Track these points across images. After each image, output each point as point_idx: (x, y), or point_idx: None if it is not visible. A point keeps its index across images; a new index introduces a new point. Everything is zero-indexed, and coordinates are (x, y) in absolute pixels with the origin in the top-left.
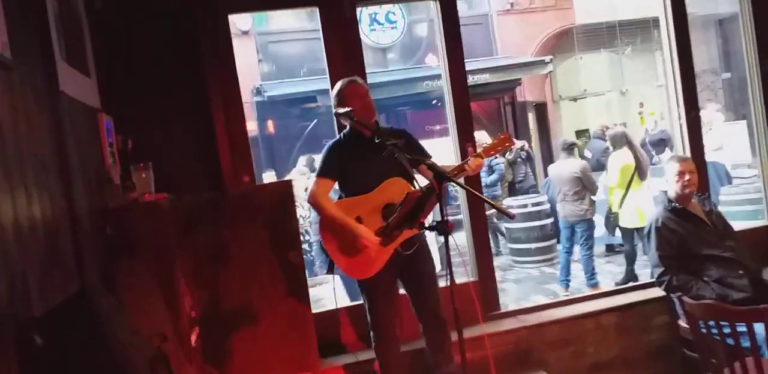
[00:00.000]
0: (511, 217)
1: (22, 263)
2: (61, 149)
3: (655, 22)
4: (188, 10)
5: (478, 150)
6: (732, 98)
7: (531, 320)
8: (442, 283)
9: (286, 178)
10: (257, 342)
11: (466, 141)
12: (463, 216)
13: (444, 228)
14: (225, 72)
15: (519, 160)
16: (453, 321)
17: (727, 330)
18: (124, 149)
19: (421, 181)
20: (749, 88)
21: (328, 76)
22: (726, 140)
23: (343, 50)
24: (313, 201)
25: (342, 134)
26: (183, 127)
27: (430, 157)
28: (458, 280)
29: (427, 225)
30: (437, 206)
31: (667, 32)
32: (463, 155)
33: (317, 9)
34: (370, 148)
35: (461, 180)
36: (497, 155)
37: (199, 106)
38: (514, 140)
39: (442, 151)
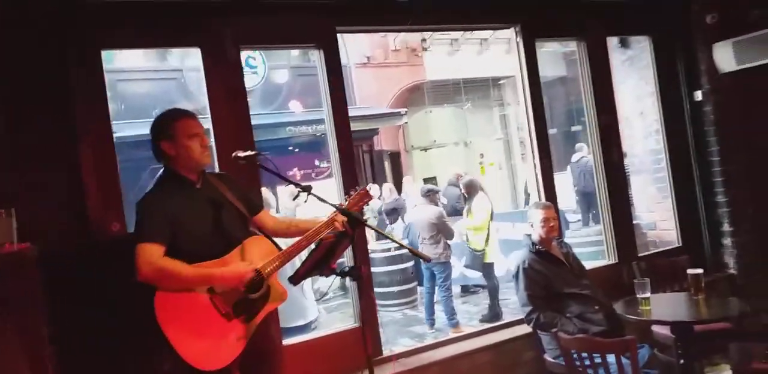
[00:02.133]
0: (427, 261)
1: None
2: None
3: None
4: (60, 40)
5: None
6: (557, 151)
7: (412, 363)
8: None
9: None
10: None
11: (351, 184)
12: (350, 261)
13: (357, 273)
14: (96, 110)
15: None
16: (367, 364)
17: (597, 361)
18: None
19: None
20: (589, 138)
21: (209, 117)
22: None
23: (227, 92)
24: (151, 271)
25: (155, 185)
26: (46, 169)
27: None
28: (340, 327)
29: (338, 271)
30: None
31: (522, 90)
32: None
33: (197, 49)
34: (202, 200)
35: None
36: (360, 209)
37: (64, 145)
38: (372, 194)
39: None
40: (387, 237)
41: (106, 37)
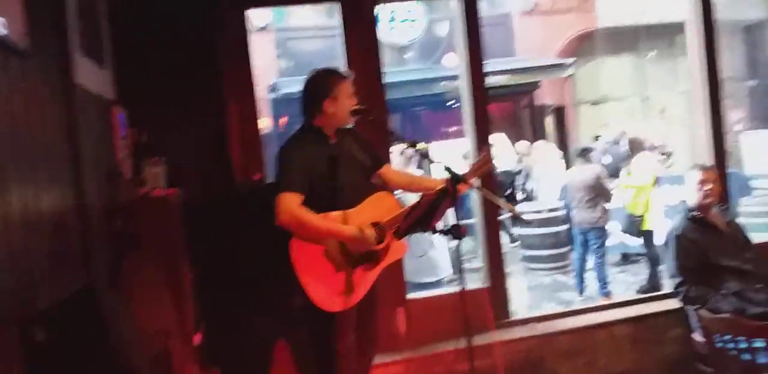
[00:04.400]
0: (526, 222)
1: (28, 256)
2: (72, 142)
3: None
4: (207, 2)
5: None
6: (757, 106)
7: (542, 329)
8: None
9: None
10: None
11: (482, 143)
12: (477, 220)
13: (458, 232)
14: (241, 67)
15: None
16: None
17: (744, 345)
18: (138, 142)
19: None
20: None
21: None
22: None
23: (362, 49)
24: (288, 219)
25: (297, 138)
26: (196, 122)
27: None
28: (469, 286)
29: (439, 229)
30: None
31: (695, 38)
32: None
33: (339, 6)
34: (338, 156)
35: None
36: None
37: (213, 101)
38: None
39: (459, 152)
40: (492, 199)
41: None
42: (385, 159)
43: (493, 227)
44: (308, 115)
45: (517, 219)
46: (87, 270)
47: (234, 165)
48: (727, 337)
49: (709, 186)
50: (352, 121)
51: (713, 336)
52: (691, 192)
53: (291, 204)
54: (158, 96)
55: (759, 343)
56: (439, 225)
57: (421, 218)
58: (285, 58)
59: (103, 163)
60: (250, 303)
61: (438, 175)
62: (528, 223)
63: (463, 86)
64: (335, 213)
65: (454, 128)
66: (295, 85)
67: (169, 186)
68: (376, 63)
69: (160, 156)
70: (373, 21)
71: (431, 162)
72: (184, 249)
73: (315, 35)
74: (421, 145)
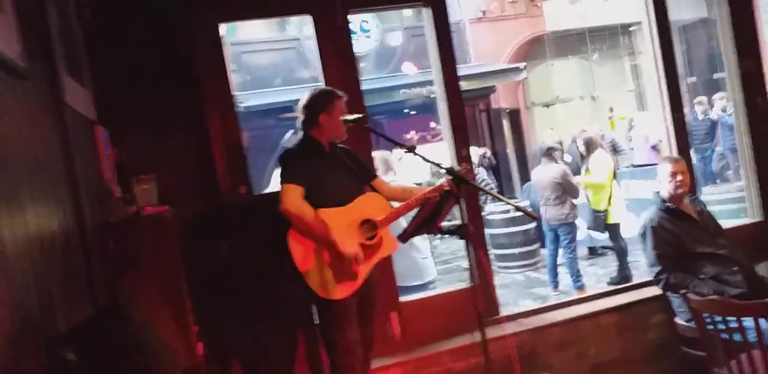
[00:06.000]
0: (534, 218)
1: (48, 276)
2: (69, 162)
3: (624, 28)
4: (180, 18)
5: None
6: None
7: (532, 323)
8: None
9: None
10: None
11: (462, 146)
12: (462, 221)
13: (464, 232)
14: (219, 81)
15: (481, 167)
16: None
17: (733, 326)
18: (121, 162)
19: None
20: (730, 88)
21: (323, 83)
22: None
23: (337, 58)
24: (290, 208)
25: (296, 144)
26: (177, 138)
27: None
28: (457, 286)
29: (445, 229)
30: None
31: (650, 37)
32: (460, 160)
33: (309, 17)
34: (331, 162)
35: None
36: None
37: (193, 116)
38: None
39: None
40: (496, 198)
41: (221, 10)
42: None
43: (477, 227)
44: (306, 127)
45: (529, 216)
46: (92, 291)
47: (219, 179)
48: (718, 319)
49: (680, 177)
50: (345, 134)
51: (703, 318)
52: (662, 184)
53: (294, 194)
54: (137, 114)
55: (747, 322)
56: (444, 224)
57: (427, 219)
58: (240, 73)
59: (93, 183)
60: (250, 312)
61: (414, 175)
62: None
63: (439, 92)
64: (329, 210)
65: (417, 135)
66: (253, 99)
67: (159, 203)
68: (353, 71)
69: (143, 174)
70: (346, 30)
71: (434, 165)
72: (180, 265)
73: (269, 48)
74: (417, 150)
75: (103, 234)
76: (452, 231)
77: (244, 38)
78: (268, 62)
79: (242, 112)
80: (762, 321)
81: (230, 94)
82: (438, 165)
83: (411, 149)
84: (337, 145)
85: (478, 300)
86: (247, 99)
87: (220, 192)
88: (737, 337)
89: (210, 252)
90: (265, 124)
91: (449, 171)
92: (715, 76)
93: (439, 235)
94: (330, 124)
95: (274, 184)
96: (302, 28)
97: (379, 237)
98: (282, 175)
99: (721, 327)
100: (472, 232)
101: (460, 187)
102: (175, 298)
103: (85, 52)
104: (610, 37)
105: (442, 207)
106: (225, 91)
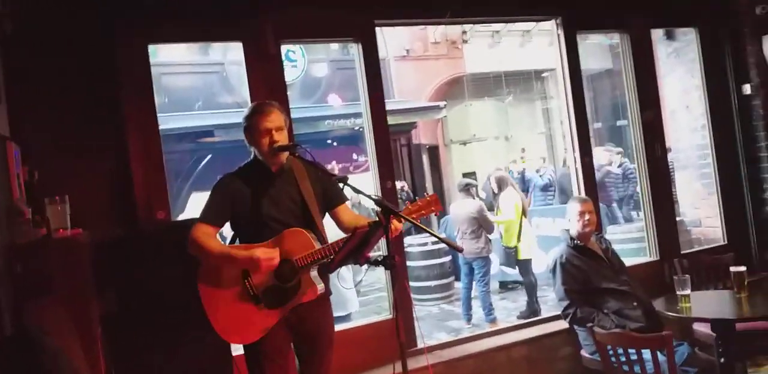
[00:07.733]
0: (460, 251)
1: None
2: None
3: (537, 74)
4: (107, 38)
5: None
6: (601, 145)
7: (448, 355)
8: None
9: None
10: None
11: (388, 178)
12: (388, 252)
13: (391, 262)
14: (143, 101)
15: (399, 200)
16: (399, 353)
17: (633, 358)
18: (31, 181)
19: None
20: (632, 134)
21: None
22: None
23: (267, 85)
24: (191, 244)
25: (239, 167)
26: (95, 158)
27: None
28: (376, 318)
29: (372, 260)
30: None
31: (563, 83)
32: (383, 192)
33: (239, 43)
34: (270, 187)
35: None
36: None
37: (114, 136)
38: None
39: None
40: (423, 230)
41: (152, 32)
42: None
43: (399, 259)
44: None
45: (454, 249)
46: None
47: (137, 202)
48: (620, 351)
49: (587, 216)
50: (269, 152)
51: (607, 350)
52: (571, 223)
53: (197, 232)
54: (52, 132)
55: (646, 354)
56: (372, 255)
57: (354, 250)
58: (159, 94)
59: (1, 202)
60: (163, 342)
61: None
62: (461, 251)
63: (366, 124)
64: (257, 246)
65: (339, 166)
66: (171, 122)
67: (73, 226)
68: (284, 99)
69: (56, 195)
70: (279, 59)
71: (368, 197)
72: (93, 292)
73: (190, 71)
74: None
75: (11, 256)
76: (379, 262)
77: (165, 59)
78: (189, 85)
79: (161, 134)
80: (658, 354)
81: (154, 116)
82: (368, 196)
83: (343, 180)
84: (302, 160)
85: (401, 331)
86: (165, 121)
87: (137, 217)
88: (637, 369)
89: (124, 279)
90: (182, 148)
91: (378, 202)
92: (618, 123)
93: (366, 266)
94: (252, 142)
95: (191, 210)
96: (226, 53)
97: (297, 280)
98: (202, 209)
99: (623, 359)
100: (398, 263)
101: (389, 218)
102: (84, 326)
103: (1, 67)
104: (524, 82)
105: (370, 238)
106: (149, 112)
